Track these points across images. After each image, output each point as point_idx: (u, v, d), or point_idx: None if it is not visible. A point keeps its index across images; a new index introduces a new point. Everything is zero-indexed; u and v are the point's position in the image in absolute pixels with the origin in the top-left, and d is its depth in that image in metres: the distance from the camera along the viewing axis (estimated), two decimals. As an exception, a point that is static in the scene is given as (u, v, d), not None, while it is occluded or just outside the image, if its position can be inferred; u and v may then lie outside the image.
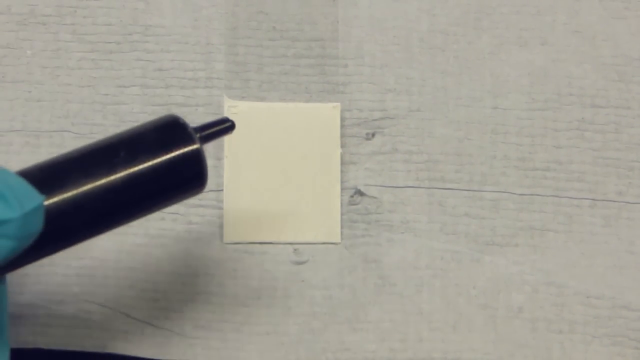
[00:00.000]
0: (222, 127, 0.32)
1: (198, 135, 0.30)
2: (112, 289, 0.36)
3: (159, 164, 0.29)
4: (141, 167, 0.28)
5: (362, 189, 0.37)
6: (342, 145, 0.37)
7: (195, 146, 0.29)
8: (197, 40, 0.38)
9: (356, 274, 0.37)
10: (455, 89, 0.38)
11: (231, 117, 0.36)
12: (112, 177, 0.28)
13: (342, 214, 0.37)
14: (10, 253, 0.24)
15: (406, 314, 0.37)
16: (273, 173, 0.37)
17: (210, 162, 0.33)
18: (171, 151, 0.29)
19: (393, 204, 0.37)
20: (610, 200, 0.38)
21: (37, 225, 0.25)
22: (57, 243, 0.27)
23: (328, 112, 0.37)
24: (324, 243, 0.37)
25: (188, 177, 0.30)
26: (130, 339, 0.36)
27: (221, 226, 0.37)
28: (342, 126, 0.37)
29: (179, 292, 0.37)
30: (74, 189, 0.27)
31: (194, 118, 0.37)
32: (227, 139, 0.36)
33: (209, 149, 0.37)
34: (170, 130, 0.29)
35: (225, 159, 0.37)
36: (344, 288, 0.37)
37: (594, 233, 0.37)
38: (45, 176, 0.27)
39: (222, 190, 0.37)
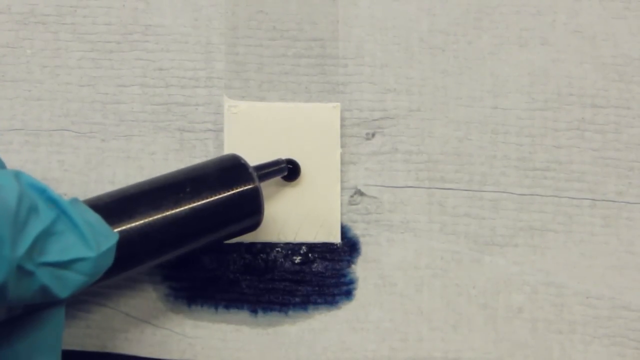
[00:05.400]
0: (277, 167, 0.35)
1: (256, 174, 0.33)
2: (112, 288, 0.36)
3: (221, 200, 0.31)
4: (204, 202, 0.31)
5: (362, 189, 0.37)
6: (342, 145, 0.37)
7: (254, 185, 0.32)
8: (197, 40, 0.38)
9: (356, 274, 0.37)
10: (455, 89, 0.38)
11: (231, 117, 0.37)
12: (177, 210, 0.30)
13: (342, 214, 0.37)
14: (81, 287, 0.25)
15: (406, 314, 0.37)
16: (273, 173, 0.37)
17: (210, 161, 0.33)
18: (233, 189, 0.32)
19: (393, 204, 0.37)
20: (610, 200, 0.38)
21: (109, 261, 0.26)
22: (121, 270, 0.29)
23: (328, 112, 0.37)
24: (324, 243, 0.37)
25: (247, 213, 0.32)
26: (130, 339, 0.36)
27: (221, 226, 0.37)
28: (342, 126, 0.37)
29: (179, 291, 0.37)
30: (142, 220, 0.29)
31: (194, 118, 0.37)
32: (226, 138, 0.36)
33: (210, 149, 0.37)
34: (232, 170, 0.32)
35: (225, 159, 0.37)
36: (343, 288, 0.37)
37: (593, 233, 0.37)
38: (117, 206, 0.29)
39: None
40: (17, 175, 0.24)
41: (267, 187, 0.36)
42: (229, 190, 0.31)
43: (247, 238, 0.37)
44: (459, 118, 0.38)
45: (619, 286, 0.37)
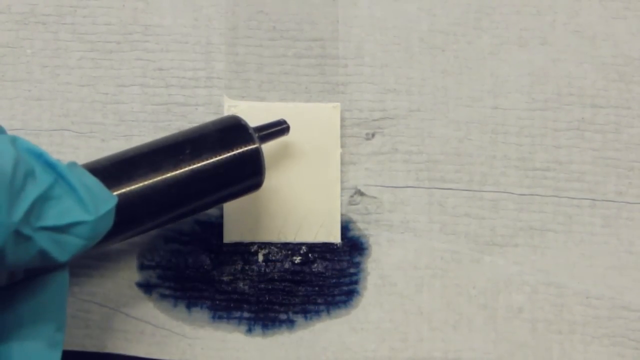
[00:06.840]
0: (279, 128, 0.35)
1: (257, 135, 0.32)
2: (112, 288, 0.36)
3: (221, 162, 0.31)
4: (204, 163, 0.30)
5: (362, 189, 0.37)
6: (342, 145, 0.37)
7: (255, 145, 0.32)
8: (197, 40, 0.38)
9: (356, 274, 0.37)
10: (455, 89, 0.38)
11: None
12: (178, 172, 0.30)
13: (342, 214, 0.37)
14: (80, 251, 0.25)
15: (406, 314, 0.37)
16: (273, 173, 0.37)
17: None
18: (233, 150, 0.31)
19: (393, 204, 0.37)
20: (610, 201, 0.38)
21: (108, 224, 0.26)
22: (122, 233, 0.29)
23: (328, 112, 0.37)
24: (324, 243, 0.37)
25: (247, 175, 0.32)
26: (130, 339, 0.36)
27: (221, 226, 0.37)
28: (342, 126, 0.37)
29: (178, 292, 0.37)
30: (141, 182, 0.29)
31: (194, 118, 0.37)
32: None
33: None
34: (232, 131, 0.32)
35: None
36: (344, 288, 0.37)
37: (593, 233, 0.37)
38: (116, 169, 0.29)
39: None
40: (14, 140, 0.24)
41: (267, 187, 0.36)
42: (230, 151, 0.31)
43: (247, 238, 0.37)
44: (459, 118, 0.38)
45: (619, 286, 0.37)
